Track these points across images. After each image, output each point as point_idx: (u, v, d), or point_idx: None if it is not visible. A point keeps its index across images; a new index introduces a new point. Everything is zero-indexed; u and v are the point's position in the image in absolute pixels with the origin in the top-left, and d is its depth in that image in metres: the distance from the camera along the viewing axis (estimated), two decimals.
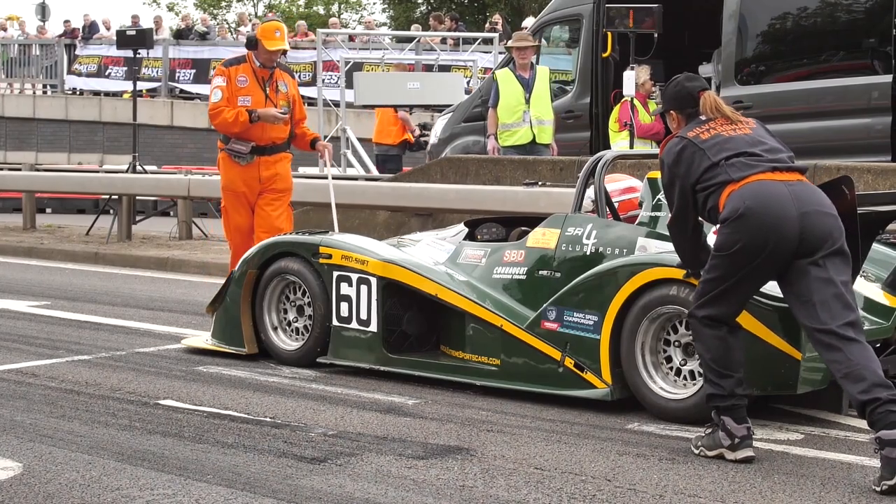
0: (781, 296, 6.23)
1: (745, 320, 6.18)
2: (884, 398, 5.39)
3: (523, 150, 13.31)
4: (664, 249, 6.76)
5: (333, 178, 10.37)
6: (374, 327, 7.74)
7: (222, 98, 9.65)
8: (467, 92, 18.51)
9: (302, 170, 18.72)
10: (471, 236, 8.20)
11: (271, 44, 9.63)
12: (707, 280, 5.81)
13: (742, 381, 5.81)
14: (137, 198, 18.19)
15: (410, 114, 19.83)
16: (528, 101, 13.23)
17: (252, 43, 9.76)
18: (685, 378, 6.53)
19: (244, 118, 9.57)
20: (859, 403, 5.45)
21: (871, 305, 6.82)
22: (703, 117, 5.98)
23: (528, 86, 13.27)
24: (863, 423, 6.42)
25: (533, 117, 13.27)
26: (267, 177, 9.84)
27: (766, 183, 5.68)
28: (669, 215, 6.08)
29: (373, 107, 19.27)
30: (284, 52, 9.84)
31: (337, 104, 20.54)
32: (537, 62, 13.83)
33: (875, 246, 6.99)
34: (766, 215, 5.60)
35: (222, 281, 8.82)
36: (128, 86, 28.05)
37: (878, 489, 5.29)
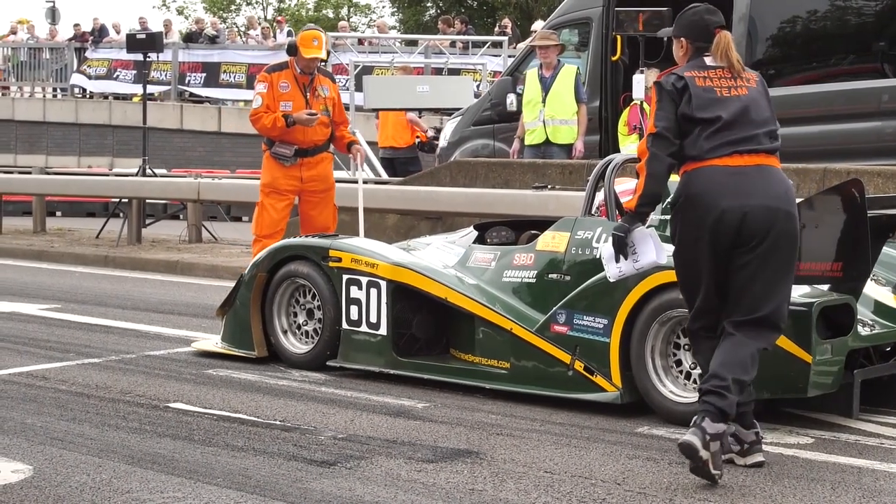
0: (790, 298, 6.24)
1: None
2: (703, 389, 5.47)
3: (539, 150, 13.32)
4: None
5: (364, 183, 10.57)
6: (383, 330, 7.74)
7: (262, 104, 10.13)
8: (476, 95, 18.49)
9: None
10: (480, 239, 8.20)
11: (308, 51, 10.05)
12: (681, 286, 5.83)
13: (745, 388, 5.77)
14: (147, 201, 18.20)
15: (420, 116, 19.81)
16: (544, 101, 13.24)
17: (293, 49, 10.16)
18: (695, 381, 6.52)
19: (281, 123, 10.04)
20: None
21: (880, 309, 6.81)
22: (707, 59, 5.78)
23: (546, 85, 13.28)
24: (873, 427, 6.45)
25: (546, 116, 13.27)
26: (308, 177, 10.26)
27: (716, 171, 5.55)
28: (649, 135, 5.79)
29: (382, 110, 19.22)
30: (323, 61, 10.30)
31: (346, 108, 20.54)
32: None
33: (885, 249, 6.98)
34: (703, 207, 5.53)
35: (232, 284, 8.83)
36: (136, 89, 28.10)
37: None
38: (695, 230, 5.59)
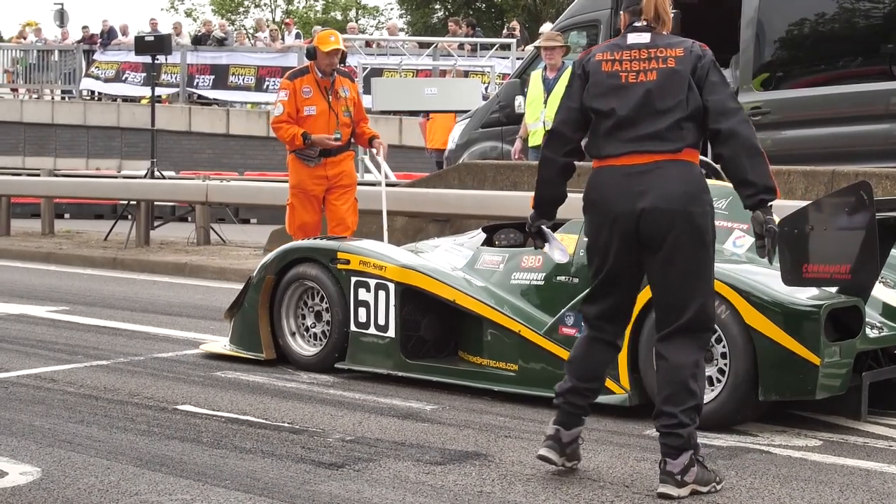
0: (798, 300, 6.24)
1: (764, 325, 6.19)
2: (657, 428, 5.39)
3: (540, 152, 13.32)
4: None
5: (387, 185, 10.71)
6: (391, 333, 7.75)
7: (283, 113, 10.28)
8: (485, 98, 18.50)
9: None
10: (488, 242, 8.20)
11: (326, 46, 10.17)
12: (591, 276, 5.63)
13: (581, 392, 5.57)
14: (155, 203, 18.23)
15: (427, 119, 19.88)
16: (545, 102, 13.23)
17: (311, 53, 10.30)
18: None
19: (299, 142, 10.19)
20: None
21: (889, 311, 6.81)
22: (632, 35, 5.43)
23: (548, 86, 13.27)
24: (881, 430, 6.44)
25: (546, 118, 13.26)
26: (333, 175, 10.44)
27: (611, 172, 5.41)
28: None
29: (393, 113, 19.32)
30: (343, 56, 10.42)
31: None
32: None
33: (893, 251, 6.97)
34: (600, 211, 5.44)
35: (240, 286, 8.84)
36: (145, 91, 28.15)
37: None
38: (597, 231, 5.48)
